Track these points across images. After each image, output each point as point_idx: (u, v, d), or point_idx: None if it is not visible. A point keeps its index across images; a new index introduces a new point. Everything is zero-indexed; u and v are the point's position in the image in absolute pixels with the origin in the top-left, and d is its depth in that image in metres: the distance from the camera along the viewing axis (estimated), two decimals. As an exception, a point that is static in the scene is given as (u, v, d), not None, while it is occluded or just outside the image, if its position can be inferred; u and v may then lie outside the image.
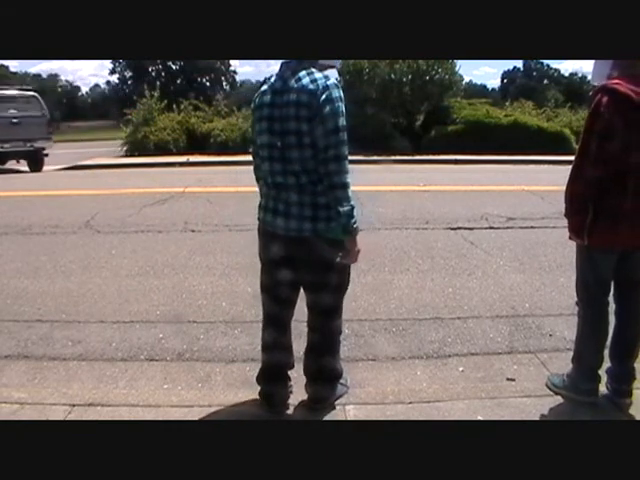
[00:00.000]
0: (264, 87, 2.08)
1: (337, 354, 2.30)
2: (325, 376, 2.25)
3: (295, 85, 1.96)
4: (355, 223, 1.96)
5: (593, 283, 2.27)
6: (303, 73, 1.98)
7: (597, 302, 2.28)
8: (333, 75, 2.02)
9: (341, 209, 1.93)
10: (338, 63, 2.23)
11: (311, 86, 1.94)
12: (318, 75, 1.97)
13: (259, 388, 2.27)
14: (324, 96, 1.91)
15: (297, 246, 2.05)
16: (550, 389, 2.44)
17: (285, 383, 2.27)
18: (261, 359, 2.28)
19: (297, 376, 2.32)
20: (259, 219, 2.17)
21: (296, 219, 2.02)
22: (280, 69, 2.05)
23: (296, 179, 2.00)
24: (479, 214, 5.97)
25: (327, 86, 1.93)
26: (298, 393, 2.31)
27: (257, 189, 2.22)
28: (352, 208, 1.95)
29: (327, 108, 1.91)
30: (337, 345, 2.29)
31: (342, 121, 1.94)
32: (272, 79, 2.06)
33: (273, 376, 2.25)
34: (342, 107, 1.95)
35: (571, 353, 2.42)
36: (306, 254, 2.05)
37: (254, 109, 2.09)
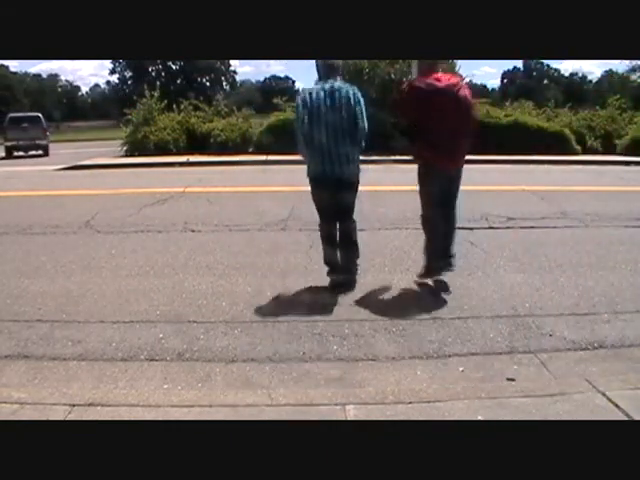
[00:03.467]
0: (318, 90, 3.52)
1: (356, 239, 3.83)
2: (352, 250, 3.79)
3: (343, 87, 3.55)
4: None
5: (433, 197, 3.60)
6: (339, 83, 3.58)
7: (436, 209, 3.60)
8: None
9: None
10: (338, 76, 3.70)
11: (351, 90, 3.56)
12: (347, 85, 3.61)
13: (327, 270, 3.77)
14: (358, 95, 3.57)
15: (344, 177, 3.61)
16: (418, 283, 3.71)
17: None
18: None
19: (297, 377, 2.31)
20: (313, 169, 3.67)
21: (345, 164, 3.58)
22: (320, 80, 3.62)
23: (348, 138, 3.55)
24: (479, 214, 5.97)
25: (356, 91, 3.58)
26: (296, 392, 2.31)
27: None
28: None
29: (362, 101, 3.57)
30: (356, 233, 3.83)
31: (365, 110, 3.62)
32: (322, 86, 3.54)
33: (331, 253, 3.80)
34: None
35: (572, 353, 2.67)
36: (347, 180, 3.62)
37: (315, 99, 3.49)
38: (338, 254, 3.81)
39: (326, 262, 3.83)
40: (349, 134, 3.53)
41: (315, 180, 3.69)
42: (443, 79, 3.49)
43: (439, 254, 3.61)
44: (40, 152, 18.61)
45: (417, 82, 3.58)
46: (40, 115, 19.97)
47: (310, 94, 3.52)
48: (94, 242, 5.08)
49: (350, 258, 3.80)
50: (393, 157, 12.15)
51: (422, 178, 3.63)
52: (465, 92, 3.51)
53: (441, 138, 3.40)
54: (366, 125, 3.54)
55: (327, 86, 3.52)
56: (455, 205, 3.69)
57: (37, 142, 18.57)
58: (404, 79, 4.04)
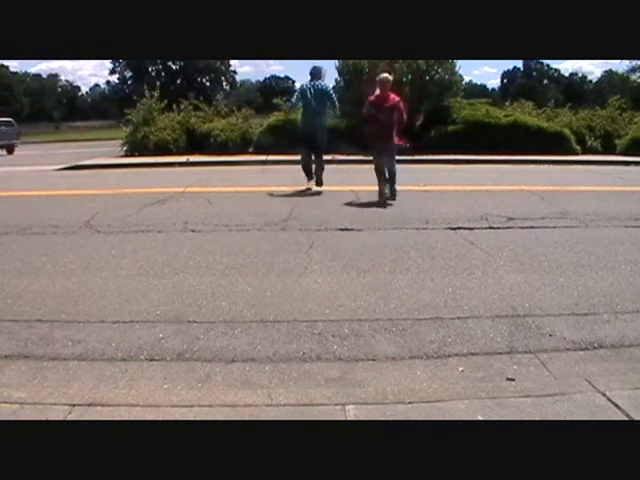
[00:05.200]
0: (308, 85, 7.35)
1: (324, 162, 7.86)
2: (320, 171, 7.69)
3: (323, 86, 7.44)
4: None
5: (378, 160, 6.82)
6: (321, 82, 7.46)
7: (382, 169, 6.75)
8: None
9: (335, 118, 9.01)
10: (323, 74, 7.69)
11: (327, 86, 7.58)
12: (325, 84, 7.58)
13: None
14: (331, 88, 7.75)
15: (320, 132, 7.43)
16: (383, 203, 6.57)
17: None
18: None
19: (297, 377, 2.30)
20: (303, 125, 7.69)
21: (322, 122, 7.48)
22: (311, 80, 7.42)
23: (323, 112, 7.43)
24: (479, 214, 5.97)
25: (330, 87, 7.75)
26: (296, 392, 2.31)
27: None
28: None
29: (332, 91, 7.66)
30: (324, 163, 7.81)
31: (335, 96, 7.69)
32: (310, 83, 7.37)
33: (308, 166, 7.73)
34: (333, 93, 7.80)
35: (572, 353, 2.80)
36: (322, 133, 7.47)
37: (306, 90, 7.30)
38: (312, 169, 7.60)
39: (304, 171, 7.61)
40: (325, 106, 7.32)
41: (304, 128, 7.50)
42: (389, 97, 6.55)
43: (385, 184, 6.69)
44: (4, 152, 22.93)
45: (375, 96, 6.60)
46: (13, 120, 25.45)
47: (306, 85, 7.32)
48: (94, 242, 5.08)
49: (321, 169, 7.58)
50: (398, 157, 12.15)
51: (372, 152, 6.95)
52: (400, 105, 6.58)
53: (382, 128, 6.53)
54: (337, 102, 7.54)
55: (314, 82, 7.29)
56: (393, 164, 6.77)
57: (13, 142, 23.45)
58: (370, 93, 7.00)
